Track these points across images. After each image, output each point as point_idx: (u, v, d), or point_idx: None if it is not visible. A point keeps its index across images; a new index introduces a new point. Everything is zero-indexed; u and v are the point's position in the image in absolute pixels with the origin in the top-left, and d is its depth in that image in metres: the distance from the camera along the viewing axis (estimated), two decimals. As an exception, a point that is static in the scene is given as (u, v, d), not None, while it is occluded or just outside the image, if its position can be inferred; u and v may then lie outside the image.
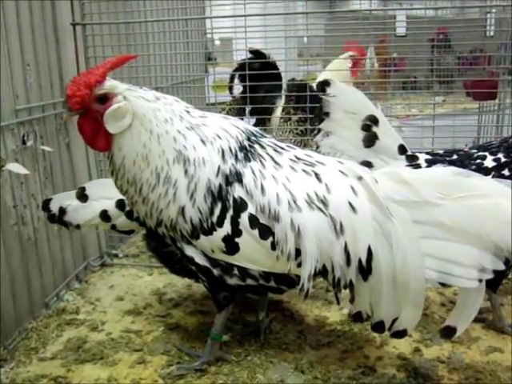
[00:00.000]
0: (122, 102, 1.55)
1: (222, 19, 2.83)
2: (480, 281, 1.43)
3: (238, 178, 1.59)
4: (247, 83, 2.68)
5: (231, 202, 1.58)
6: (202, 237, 1.62)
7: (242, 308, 2.24)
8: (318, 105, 2.07)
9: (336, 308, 2.24)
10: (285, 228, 1.55)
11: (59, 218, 2.07)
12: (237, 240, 1.59)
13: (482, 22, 4.04)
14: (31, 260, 2.26)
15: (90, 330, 2.17)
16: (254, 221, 1.57)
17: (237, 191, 1.58)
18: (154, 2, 3.08)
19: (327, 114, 2.03)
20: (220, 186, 1.58)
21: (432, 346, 1.98)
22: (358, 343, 2.01)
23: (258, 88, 3.05)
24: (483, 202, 1.43)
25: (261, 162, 1.63)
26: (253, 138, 1.70)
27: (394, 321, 1.56)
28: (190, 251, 1.67)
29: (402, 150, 1.99)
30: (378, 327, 1.60)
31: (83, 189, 2.09)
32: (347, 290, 1.61)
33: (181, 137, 1.58)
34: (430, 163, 1.93)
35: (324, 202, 1.55)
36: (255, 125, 3.12)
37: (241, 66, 3.08)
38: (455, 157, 1.97)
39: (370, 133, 1.98)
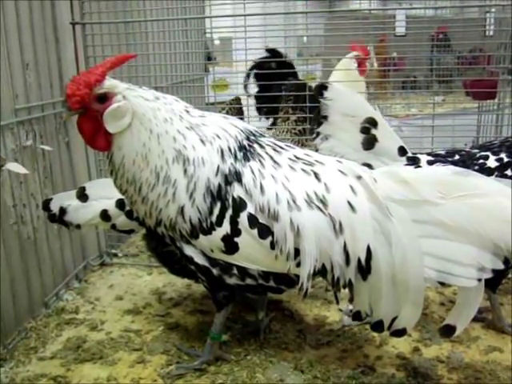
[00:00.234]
0: (121, 101, 1.55)
1: (221, 19, 2.82)
2: (479, 280, 1.43)
3: (238, 177, 1.59)
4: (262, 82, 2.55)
5: (230, 201, 1.58)
6: (202, 236, 1.62)
7: (242, 307, 2.24)
8: (316, 105, 2.07)
9: (335, 307, 2.24)
10: (284, 227, 1.55)
11: (60, 218, 2.08)
12: (236, 240, 1.59)
13: (482, 22, 4.04)
14: (31, 259, 2.25)
15: (90, 330, 2.17)
16: (253, 220, 1.57)
17: (236, 191, 1.58)
18: (154, 2, 3.08)
19: (325, 118, 2.03)
20: (219, 185, 1.58)
21: (431, 345, 1.98)
22: (357, 342, 2.01)
23: (274, 87, 2.98)
24: (483, 201, 1.42)
25: (260, 161, 1.63)
26: (252, 137, 1.69)
27: (394, 320, 1.56)
28: (189, 251, 1.67)
29: (402, 151, 1.99)
30: (378, 327, 1.60)
31: (83, 189, 2.10)
32: (346, 290, 1.61)
33: (180, 136, 1.59)
34: (431, 165, 1.92)
35: (323, 202, 1.55)
36: (272, 124, 3.08)
37: (257, 65, 3.02)
38: (457, 157, 1.96)
39: (369, 135, 1.98)
